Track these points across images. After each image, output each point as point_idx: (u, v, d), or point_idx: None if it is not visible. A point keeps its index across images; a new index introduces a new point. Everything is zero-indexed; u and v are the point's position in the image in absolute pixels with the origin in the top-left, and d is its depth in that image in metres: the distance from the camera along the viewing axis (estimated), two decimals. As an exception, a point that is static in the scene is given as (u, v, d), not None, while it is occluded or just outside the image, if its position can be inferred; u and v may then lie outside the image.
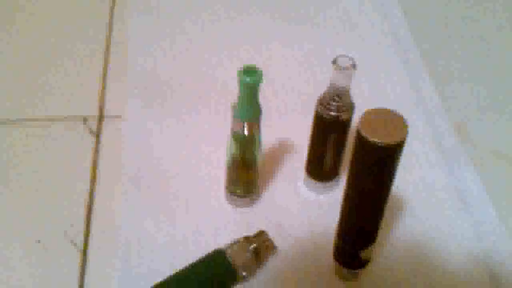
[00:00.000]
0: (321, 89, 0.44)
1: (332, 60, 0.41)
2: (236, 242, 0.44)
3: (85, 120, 0.56)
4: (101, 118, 0.57)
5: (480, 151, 0.56)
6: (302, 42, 0.67)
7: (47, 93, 0.60)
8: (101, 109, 0.58)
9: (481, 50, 0.68)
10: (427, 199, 0.51)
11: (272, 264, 0.46)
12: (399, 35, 0.68)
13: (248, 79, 0.39)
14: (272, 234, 0.47)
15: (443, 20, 0.72)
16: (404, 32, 0.69)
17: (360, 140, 0.34)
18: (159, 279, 0.42)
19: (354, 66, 0.41)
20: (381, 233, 0.46)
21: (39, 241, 0.47)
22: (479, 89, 0.63)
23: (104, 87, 0.60)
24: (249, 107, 0.41)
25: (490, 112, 0.60)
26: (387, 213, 0.48)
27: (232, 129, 0.43)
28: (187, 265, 0.43)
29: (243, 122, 0.41)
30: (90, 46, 0.65)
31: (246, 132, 0.42)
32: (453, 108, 0.60)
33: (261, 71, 0.39)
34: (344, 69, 0.41)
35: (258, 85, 0.39)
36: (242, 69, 0.39)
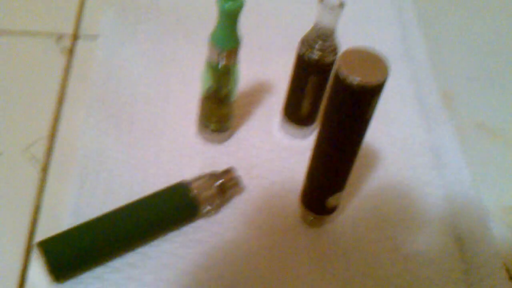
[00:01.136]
0: (307, 28, 0.42)
1: (319, -3, 0.39)
2: (202, 176, 0.43)
3: (59, 37, 0.54)
4: (75, 37, 0.54)
5: (462, 119, 0.54)
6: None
7: (21, 4, 0.57)
8: (76, 27, 0.55)
9: (476, 20, 0.66)
10: (402, 154, 0.50)
11: (238, 203, 0.45)
12: None
13: (226, 5, 0.36)
14: (241, 173, 0.46)
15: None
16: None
17: (337, 79, 0.33)
18: (116, 204, 0.41)
19: (342, 5, 0.39)
20: (351, 182, 0.45)
21: (0, 153, 0.46)
22: (470, 60, 0.61)
23: (83, 4, 0.57)
24: (227, 36, 0.39)
25: (477, 84, 0.59)
26: (359, 163, 0.47)
27: (208, 58, 0.41)
28: (148, 194, 0.42)
29: (220, 51, 0.39)
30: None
31: (222, 62, 0.40)
32: (441, 74, 0.58)
33: (243, -1, 0.37)
34: (331, 8, 0.39)
35: (239, 12, 0.37)
36: (222, -6, 0.37)
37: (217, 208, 0.43)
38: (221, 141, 0.48)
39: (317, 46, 0.41)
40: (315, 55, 0.42)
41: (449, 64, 0.59)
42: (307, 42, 0.42)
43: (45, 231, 0.42)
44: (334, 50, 0.42)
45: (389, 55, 0.56)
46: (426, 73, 0.56)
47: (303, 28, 0.43)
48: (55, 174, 0.45)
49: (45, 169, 0.45)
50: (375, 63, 0.33)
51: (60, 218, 0.42)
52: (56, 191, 0.44)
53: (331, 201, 0.41)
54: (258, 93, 0.52)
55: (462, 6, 0.67)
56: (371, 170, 0.49)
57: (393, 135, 0.51)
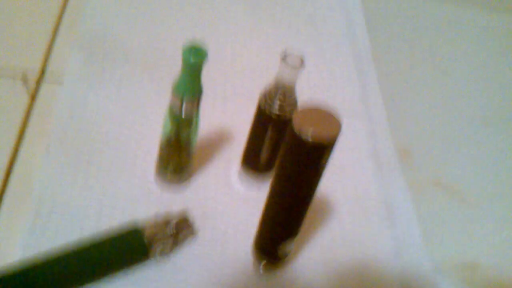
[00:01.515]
0: (269, 79, 0.44)
1: (280, 55, 0.41)
2: (155, 220, 0.43)
3: (24, 75, 0.54)
4: (41, 76, 0.55)
5: (419, 175, 0.57)
6: (260, 30, 0.66)
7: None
8: (43, 66, 0.56)
9: (436, 77, 0.70)
10: (355, 208, 0.51)
11: (190, 247, 0.45)
12: (356, 39, 0.68)
13: (191, 58, 0.38)
14: (196, 218, 0.46)
15: (400, 34, 0.73)
16: (362, 38, 0.69)
17: (291, 133, 0.34)
18: (66, 242, 0.41)
19: (302, 65, 0.41)
20: (304, 232, 0.46)
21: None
22: (428, 117, 0.64)
23: (51, 47, 0.58)
24: (189, 86, 0.40)
25: (435, 141, 0.61)
26: (313, 213, 0.48)
27: (169, 105, 0.42)
28: (99, 234, 0.42)
29: (182, 100, 0.41)
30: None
31: (183, 111, 0.41)
32: (400, 131, 0.60)
33: (206, 51, 0.38)
34: (292, 66, 0.41)
35: (202, 65, 0.39)
36: (187, 47, 0.38)
37: (168, 252, 0.43)
38: (178, 187, 0.48)
39: (276, 101, 0.43)
40: (275, 109, 0.43)
41: (408, 121, 0.62)
42: (267, 96, 0.43)
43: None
44: (293, 105, 0.44)
45: (348, 112, 0.59)
46: (384, 130, 0.59)
47: (264, 80, 0.44)
48: (8, 210, 0.45)
49: (-4, 208, 0.45)
50: (328, 119, 0.35)
51: (9, 255, 0.42)
52: (7, 228, 0.44)
53: (283, 247, 0.42)
54: (218, 141, 0.53)
55: (421, 63, 0.70)
56: (324, 221, 0.50)
57: (348, 188, 0.52)
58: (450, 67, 0.71)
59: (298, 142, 0.34)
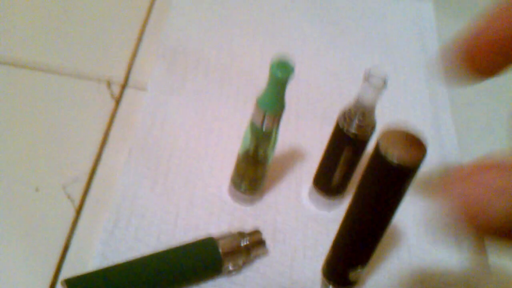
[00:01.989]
0: (346, 101, 0.44)
1: (363, 74, 0.41)
2: (230, 234, 0.44)
3: (109, 84, 0.57)
4: (125, 84, 0.57)
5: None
6: (335, 49, 0.67)
7: (77, 49, 0.60)
8: (126, 77, 0.58)
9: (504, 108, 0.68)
10: (423, 233, 0.50)
11: (260, 265, 0.45)
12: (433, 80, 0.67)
13: (279, 73, 0.39)
14: (266, 236, 0.46)
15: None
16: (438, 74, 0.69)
17: (376, 155, 0.34)
18: (143, 252, 0.42)
19: (385, 84, 0.41)
20: (375, 260, 0.45)
21: (37, 190, 0.47)
22: (497, 142, 0.62)
23: (135, 55, 0.61)
24: (274, 101, 0.41)
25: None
26: (384, 240, 0.47)
27: (251, 120, 0.43)
28: (175, 245, 0.43)
29: (265, 115, 0.41)
30: (132, 10, 0.65)
31: (265, 126, 0.42)
32: (470, 157, 0.59)
33: (293, 67, 0.39)
34: (375, 86, 0.41)
35: (288, 81, 0.39)
36: (275, 61, 0.39)
37: (239, 267, 0.44)
38: (250, 203, 0.49)
39: (356, 121, 0.43)
40: (354, 129, 0.43)
41: (478, 151, 0.60)
42: (347, 116, 0.43)
43: (70, 271, 0.42)
44: (372, 126, 0.44)
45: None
46: (455, 156, 0.58)
47: (341, 101, 0.45)
48: (88, 216, 0.46)
49: (79, 210, 0.47)
50: (414, 142, 0.35)
51: (86, 261, 0.43)
52: (87, 233, 0.45)
53: (353, 274, 0.42)
54: (291, 159, 0.54)
55: (491, 95, 0.69)
56: (394, 249, 0.49)
57: (417, 214, 0.51)
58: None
59: (383, 164, 0.34)
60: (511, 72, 0.22)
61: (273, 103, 0.41)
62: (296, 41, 0.67)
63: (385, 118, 0.59)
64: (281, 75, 0.39)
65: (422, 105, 0.63)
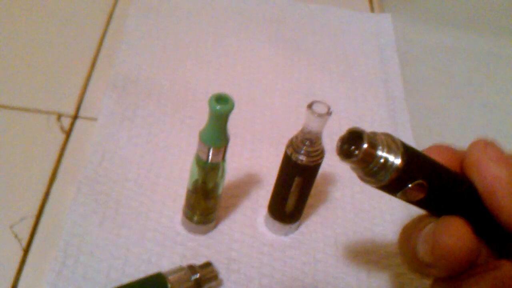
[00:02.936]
0: (300, 124, 0.44)
1: (307, 104, 0.41)
2: (180, 270, 0.43)
3: (58, 116, 0.55)
4: (75, 117, 0.56)
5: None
6: (293, 68, 0.66)
7: (25, 82, 0.59)
8: (77, 108, 0.57)
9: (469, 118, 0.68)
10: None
11: (214, 298, 0.44)
12: (392, 93, 0.67)
13: (218, 107, 0.38)
14: (220, 266, 0.46)
15: (439, 89, 0.71)
16: (395, 79, 0.68)
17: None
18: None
19: (329, 113, 0.40)
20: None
21: (-18, 231, 0.46)
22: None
23: (86, 86, 0.60)
24: (216, 135, 0.40)
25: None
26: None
27: (196, 153, 0.42)
28: (124, 283, 0.42)
29: (209, 149, 0.41)
30: (83, 40, 0.64)
31: (210, 159, 0.41)
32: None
33: (233, 101, 0.38)
34: (318, 115, 0.40)
35: (228, 114, 0.39)
36: (214, 96, 0.38)
37: (192, 301, 0.43)
38: (204, 233, 0.48)
39: (303, 149, 0.43)
40: (302, 157, 0.43)
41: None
42: (294, 144, 0.43)
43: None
44: (320, 153, 0.43)
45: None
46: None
47: (299, 124, 0.44)
48: (36, 255, 0.45)
49: (26, 250, 0.45)
50: None
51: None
52: (35, 274, 0.44)
53: None
54: (245, 185, 0.53)
55: (457, 98, 0.69)
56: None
57: (377, 233, 0.51)
58: (490, 101, 0.69)
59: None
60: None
61: (216, 137, 0.40)
62: (252, 62, 0.66)
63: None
64: (220, 109, 0.38)
65: (381, 120, 0.63)
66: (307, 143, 0.43)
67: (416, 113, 0.65)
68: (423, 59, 0.74)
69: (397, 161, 0.26)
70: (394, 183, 0.27)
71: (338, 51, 0.70)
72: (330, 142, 0.51)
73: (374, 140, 0.26)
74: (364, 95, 0.65)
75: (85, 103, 0.58)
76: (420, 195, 0.28)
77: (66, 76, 0.60)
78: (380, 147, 0.26)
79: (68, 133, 0.54)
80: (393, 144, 0.27)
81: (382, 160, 0.26)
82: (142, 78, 0.61)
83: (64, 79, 0.60)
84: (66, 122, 0.55)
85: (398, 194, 0.28)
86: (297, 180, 0.45)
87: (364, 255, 0.49)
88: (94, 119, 0.56)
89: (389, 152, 0.26)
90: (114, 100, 0.57)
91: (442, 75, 0.73)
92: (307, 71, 0.67)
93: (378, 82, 0.67)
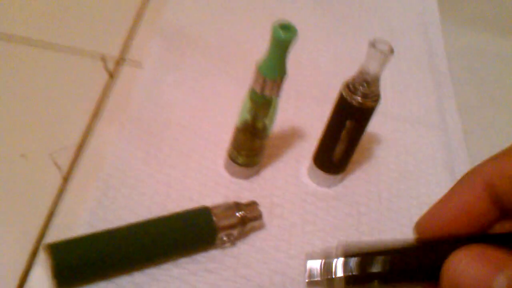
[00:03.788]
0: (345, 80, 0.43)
1: (369, 42, 0.40)
2: (225, 204, 0.42)
3: (104, 58, 0.55)
4: (121, 59, 0.55)
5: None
6: (337, 35, 0.66)
7: (73, 22, 0.58)
8: (123, 51, 0.56)
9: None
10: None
11: (255, 239, 0.43)
12: (433, 51, 0.66)
13: (282, 34, 0.37)
14: (263, 210, 0.44)
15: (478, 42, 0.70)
16: (439, 49, 0.67)
17: None
18: (132, 220, 0.40)
19: (391, 51, 0.39)
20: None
21: (23, 156, 0.45)
22: (504, 129, 0.61)
23: (134, 32, 0.59)
24: (275, 66, 0.39)
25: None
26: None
27: (251, 86, 0.41)
28: (167, 213, 0.41)
29: (265, 80, 0.39)
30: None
31: (266, 92, 0.40)
32: (474, 142, 0.57)
33: (296, 29, 0.37)
34: (381, 52, 0.39)
35: (292, 43, 0.38)
36: (277, 23, 0.37)
37: (234, 240, 0.42)
38: (247, 177, 0.47)
39: (360, 91, 0.42)
40: (358, 99, 0.42)
41: (485, 133, 0.59)
42: (351, 85, 0.42)
43: (54, 237, 0.40)
44: (376, 97, 0.42)
45: (423, 122, 0.57)
46: (459, 141, 0.56)
47: (341, 81, 0.43)
48: (76, 185, 0.44)
49: (66, 178, 0.45)
50: None
51: (73, 229, 0.41)
52: (74, 202, 0.43)
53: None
54: (289, 137, 0.52)
55: (500, 71, 0.67)
56: (397, 227, 0.47)
57: (421, 198, 0.50)
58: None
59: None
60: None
61: (274, 68, 0.39)
62: (299, 25, 0.65)
63: (389, 108, 0.58)
64: (284, 36, 0.37)
65: (427, 95, 0.61)
66: (365, 84, 0.42)
67: (462, 92, 0.64)
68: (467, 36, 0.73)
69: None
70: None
71: (383, 24, 0.69)
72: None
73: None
74: (409, 67, 0.64)
75: (131, 47, 0.57)
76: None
77: (114, 19, 0.60)
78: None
79: (112, 75, 0.53)
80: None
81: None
82: (190, 30, 0.60)
83: (112, 22, 0.59)
84: (111, 65, 0.55)
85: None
86: (348, 124, 0.43)
87: (408, 211, 0.48)
88: (139, 65, 0.55)
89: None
90: (161, 47, 0.57)
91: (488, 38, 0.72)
92: (353, 40, 0.66)
93: (423, 56, 0.66)
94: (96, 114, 0.50)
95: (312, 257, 0.25)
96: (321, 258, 0.25)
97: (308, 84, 0.58)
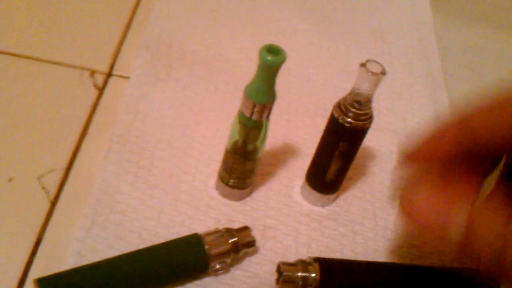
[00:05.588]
0: (339, 95, 0.42)
1: (360, 63, 0.39)
2: (217, 231, 0.41)
3: (92, 72, 0.54)
4: (109, 74, 0.54)
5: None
6: (329, 42, 0.64)
7: (61, 37, 0.57)
8: (111, 66, 0.55)
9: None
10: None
11: (249, 264, 0.42)
12: (430, 69, 0.65)
13: (269, 58, 0.36)
14: (256, 233, 0.43)
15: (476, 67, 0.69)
16: (433, 53, 0.66)
17: None
18: (123, 250, 0.39)
19: (384, 73, 0.38)
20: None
21: (10, 180, 0.44)
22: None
23: (121, 44, 0.58)
24: (264, 89, 0.38)
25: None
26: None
27: (240, 110, 0.40)
28: (157, 243, 0.40)
29: (254, 104, 0.38)
30: (119, 1, 0.63)
31: (254, 116, 0.39)
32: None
33: (285, 53, 0.36)
34: (372, 74, 0.38)
35: (279, 66, 0.37)
36: (265, 46, 0.36)
37: (227, 266, 0.41)
38: (239, 198, 0.46)
39: (352, 112, 0.41)
40: (349, 120, 0.41)
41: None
42: (343, 106, 0.41)
43: (41, 266, 0.39)
44: (369, 117, 0.41)
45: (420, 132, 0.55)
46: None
47: (335, 96, 0.42)
48: (63, 209, 0.43)
49: (54, 202, 0.44)
50: None
51: (61, 257, 0.40)
52: (62, 228, 0.42)
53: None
54: (281, 154, 0.51)
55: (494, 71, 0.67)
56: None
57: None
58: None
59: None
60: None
61: (263, 92, 0.38)
62: (286, 34, 0.64)
63: (383, 111, 0.57)
64: (271, 60, 0.36)
65: (420, 97, 0.61)
66: (356, 105, 0.41)
67: (456, 96, 0.63)
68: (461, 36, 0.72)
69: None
70: None
71: (374, 28, 0.68)
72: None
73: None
74: (403, 72, 0.63)
75: (119, 61, 0.56)
76: None
77: (101, 34, 0.59)
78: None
79: (101, 90, 0.52)
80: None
81: None
82: (175, 41, 0.59)
83: (99, 36, 0.58)
84: (100, 79, 0.53)
85: None
86: (341, 146, 0.43)
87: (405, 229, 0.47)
88: (127, 78, 0.54)
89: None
90: (147, 61, 0.55)
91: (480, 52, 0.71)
92: (343, 45, 0.64)
93: (416, 60, 0.65)
94: (84, 133, 0.49)
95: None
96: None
97: (299, 96, 0.57)
